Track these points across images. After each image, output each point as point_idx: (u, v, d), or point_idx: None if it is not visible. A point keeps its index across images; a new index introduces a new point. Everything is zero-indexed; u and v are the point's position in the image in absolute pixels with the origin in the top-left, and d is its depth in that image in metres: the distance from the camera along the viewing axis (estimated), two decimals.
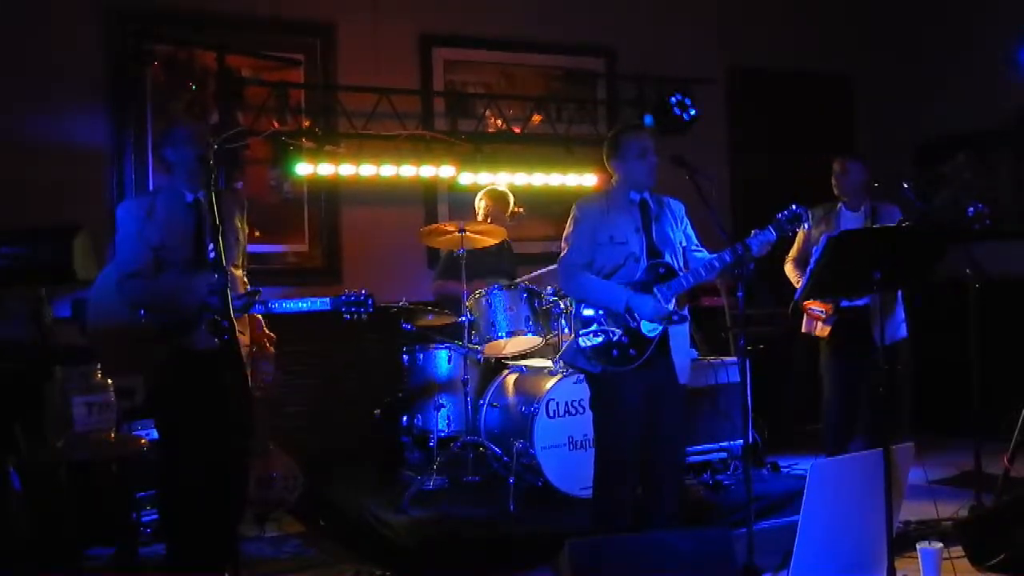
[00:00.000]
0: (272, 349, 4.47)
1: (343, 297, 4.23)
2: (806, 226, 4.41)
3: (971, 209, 5.10)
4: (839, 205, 5.70)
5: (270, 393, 5.34)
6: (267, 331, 4.39)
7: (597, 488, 4.38)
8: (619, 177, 4.42)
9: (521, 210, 6.46)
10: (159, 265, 4.01)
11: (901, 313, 5.64)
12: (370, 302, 4.24)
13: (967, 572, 4.29)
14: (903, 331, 5.66)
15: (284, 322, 5.09)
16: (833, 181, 5.72)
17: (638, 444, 4.31)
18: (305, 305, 4.19)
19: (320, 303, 4.21)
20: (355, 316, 4.24)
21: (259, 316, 4.31)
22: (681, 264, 4.38)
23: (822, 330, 5.66)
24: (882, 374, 5.36)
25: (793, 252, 5.81)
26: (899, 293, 5.61)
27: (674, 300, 4.25)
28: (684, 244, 4.45)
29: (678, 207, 4.50)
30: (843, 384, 5.67)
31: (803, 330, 5.83)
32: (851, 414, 5.71)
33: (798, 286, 5.75)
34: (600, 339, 4.27)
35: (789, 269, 5.82)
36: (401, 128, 6.57)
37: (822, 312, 5.64)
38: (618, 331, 4.23)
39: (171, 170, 4.14)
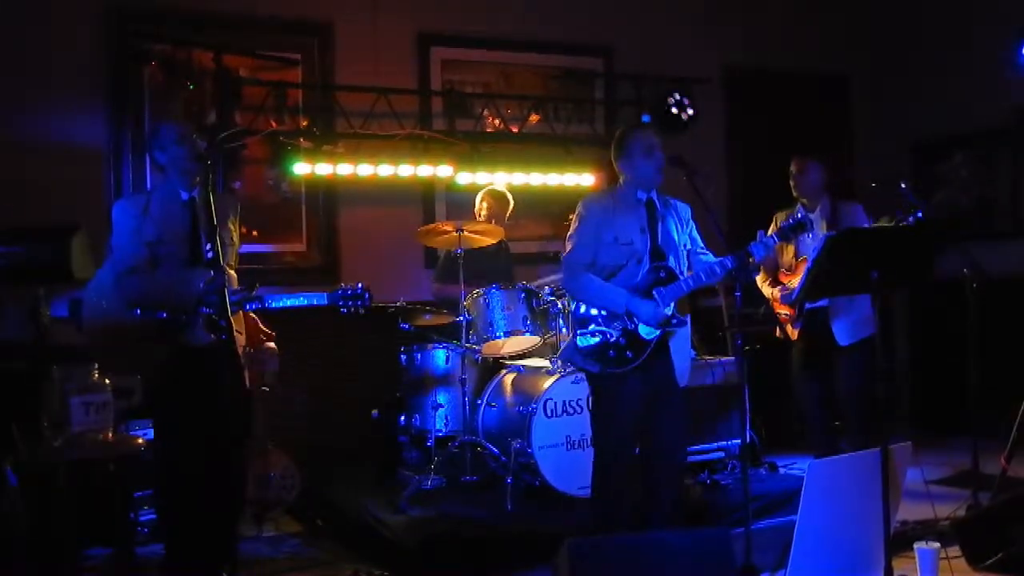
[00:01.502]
0: (272, 344, 4.48)
1: (340, 292, 4.24)
2: (811, 234, 4.41)
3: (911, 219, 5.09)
4: (797, 207, 5.61)
5: (275, 388, 5.35)
6: (264, 328, 4.39)
7: (595, 488, 4.39)
8: (627, 177, 4.41)
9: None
10: (155, 261, 4.01)
11: (868, 311, 5.56)
12: (367, 295, 4.24)
13: (964, 572, 4.30)
14: (870, 329, 5.57)
15: (282, 322, 5.10)
16: (791, 182, 5.67)
17: (635, 444, 4.32)
18: (302, 300, 4.19)
19: (317, 298, 4.22)
20: (352, 310, 4.24)
21: (253, 315, 4.31)
22: (684, 267, 4.37)
23: (792, 332, 5.66)
24: (844, 374, 5.42)
25: None
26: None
27: (673, 304, 4.25)
28: (689, 247, 4.45)
29: (684, 209, 4.50)
30: (814, 385, 5.67)
31: (776, 334, 5.81)
32: (829, 414, 5.69)
33: (764, 291, 5.75)
34: (597, 339, 4.27)
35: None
36: (399, 128, 6.57)
37: (787, 315, 5.63)
38: (616, 332, 4.24)
39: (163, 171, 4.15)
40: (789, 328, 5.68)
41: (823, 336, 5.47)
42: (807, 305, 5.51)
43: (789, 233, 4.30)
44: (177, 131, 4.12)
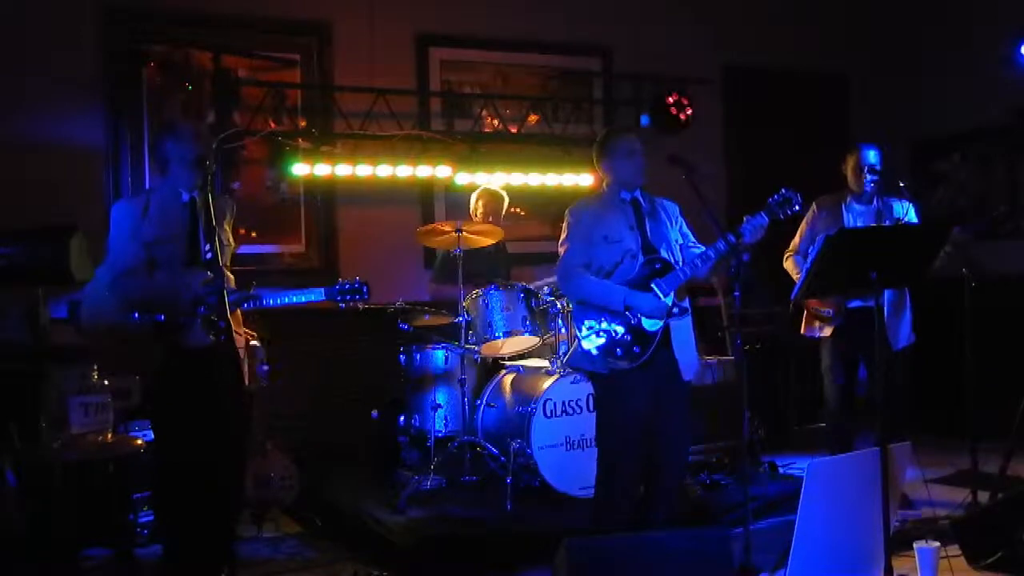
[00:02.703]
0: (256, 342, 4.47)
1: (337, 286, 4.23)
2: (796, 207, 4.37)
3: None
4: (849, 197, 5.56)
5: (263, 388, 5.34)
6: (247, 329, 4.39)
7: (599, 487, 4.38)
8: (609, 179, 4.45)
9: (521, 212, 6.43)
10: (153, 263, 4.00)
11: (910, 316, 5.56)
12: (365, 289, 4.23)
13: (964, 571, 4.29)
14: (912, 336, 5.57)
15: (281, 321, 5.11)
16: (851, 177, 5.52)
17: (641, 444, 4.31)
18: (299, 298, 4.18)
19: (315, 294, 4.21)
20: (351, 304, 4.23)
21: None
22: (678, 259, 4.38)
23: (826, 331, 5.53)
24: (894, 374, 5.35)
25: (794, 245, 5.71)
26: (907, 297, 5.54)
27: (673, 294, 4.25)
28: (680, 242, 4.46)
29: (672, 207, 4.52)
30: (847, 385, 5.57)
31: (802, 331, 5.67)
32: (853, 415, 5.63)
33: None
34: (603, 339, 4.26)
35: (790, 265, 5.70)
36: (397, 128, 6.57)
37: (829, 312, 5.47)
38: (620, 329, 4.23)
39: (167, 168, 4.13)
40: (823, 326, 5.53)
41: (867, 336, 5.30)
42: (850, 304, 5.41)
43: (776, 209, 4.24)
44: (191, 130, 4.12)
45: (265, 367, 5.21)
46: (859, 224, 5.43)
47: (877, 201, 5.56)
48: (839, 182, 5.69)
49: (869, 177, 5.45)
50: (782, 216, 4.29)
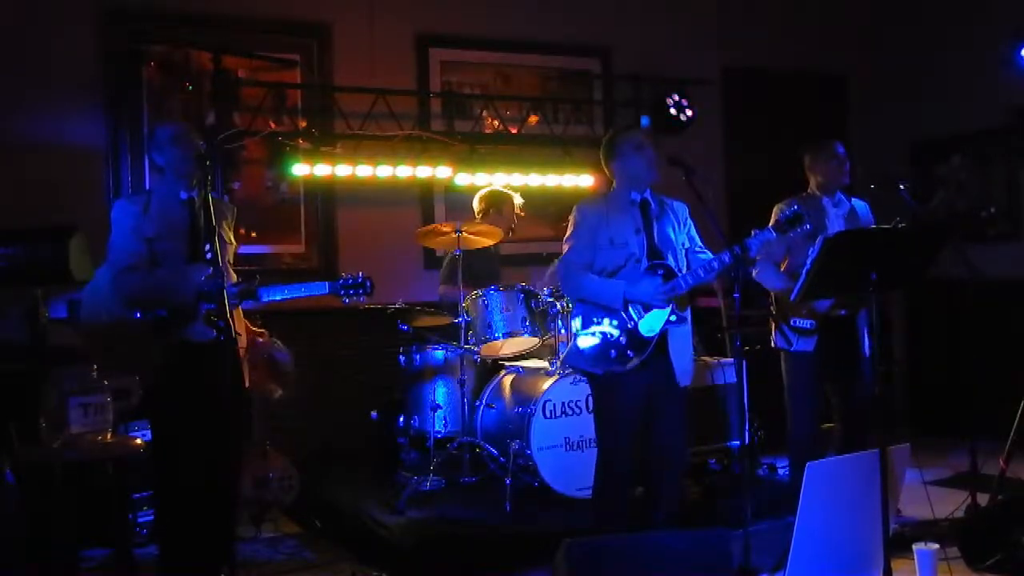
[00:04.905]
0: (269, 339, 4.47)
1: (340, 281, 4.22)
2: (807, 226, 4.36)
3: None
4: (822, 198, 5.29)
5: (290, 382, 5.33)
6: (252, 327, 4.38)
7: (597, 488, 4.39)
8: (619, 178, 4.43)
9: (521, 213, 6.42)
10: (154, 259, 3.99)
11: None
12: (368, 284, 4.22)
13: (963, 573, 4.30)
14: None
15: (281, 322, 5.10)
16: (841, 169, 5.26)
17: (638, 445, 4.32)
18: (302, 291, 4.18)
19: (317, 288, 4.20)
20: (354, 299, 4.23)
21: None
22: (683, 266, 4.38)
23: (806, 344, 5.14)
24: (867, 385, 5.26)
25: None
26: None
27: (673, 301, 4.25)
28: (687, 246, 4.46)
29: (681, 208, 4.50)
30: (818, 399, 5.26)
31: (774, 345, 5.22)
32: (819, 429, 5.44)
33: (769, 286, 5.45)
34: (598, 340, 4.27)
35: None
36: (397, 129, 6.57)
37: (811, 325, 5.11)
38: (616, 332, 4.24)
39: (162, 172, 4.14)
40: (800, 339, 5.39)
41: (846, 346, 5.16)
42: (820, 308, 5.26)
43: (785, 226, 4.26)
44: (173, 132, 4.11)
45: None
46: (841, 225, 5.29)
47: (841, 199, 5.32)
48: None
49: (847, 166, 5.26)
50: (791, 234, 4.28)
